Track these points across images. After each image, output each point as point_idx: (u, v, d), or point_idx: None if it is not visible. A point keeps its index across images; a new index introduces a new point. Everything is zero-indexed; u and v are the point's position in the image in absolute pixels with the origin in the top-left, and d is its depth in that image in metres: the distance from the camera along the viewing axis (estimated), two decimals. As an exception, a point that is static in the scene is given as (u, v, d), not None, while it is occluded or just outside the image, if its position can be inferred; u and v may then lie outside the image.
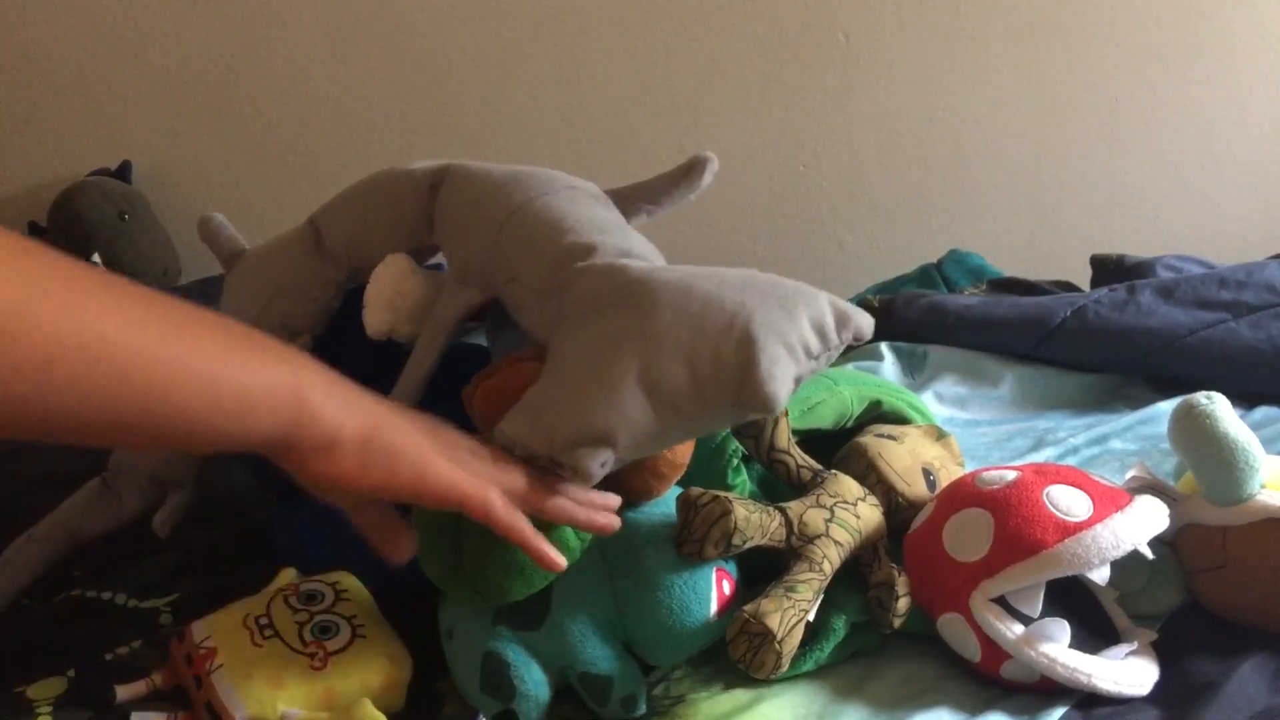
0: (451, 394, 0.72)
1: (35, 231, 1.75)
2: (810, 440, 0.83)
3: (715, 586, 0.70)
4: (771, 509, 0.71)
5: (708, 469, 0.77)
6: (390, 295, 0.77)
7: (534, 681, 0.67)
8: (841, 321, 0.63)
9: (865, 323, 0.64)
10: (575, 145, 1.82)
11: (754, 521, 0.69)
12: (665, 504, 0.73)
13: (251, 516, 0.93)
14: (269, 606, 0.70)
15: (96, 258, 1.65)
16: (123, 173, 1.78)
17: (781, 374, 0.59)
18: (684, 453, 0.70)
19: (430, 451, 0.57)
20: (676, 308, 0.61)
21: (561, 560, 0.61)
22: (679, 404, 0.60)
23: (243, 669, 0.65)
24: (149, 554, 0.87)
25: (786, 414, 0.76)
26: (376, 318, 0.77)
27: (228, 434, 0.51)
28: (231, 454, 0.69)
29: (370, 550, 0.72)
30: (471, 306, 0.76)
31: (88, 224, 1.66)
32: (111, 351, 0.46)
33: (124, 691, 0.67)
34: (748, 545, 0.69)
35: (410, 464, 0.56)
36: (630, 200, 0.83)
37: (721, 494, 0.68)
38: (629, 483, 0.69)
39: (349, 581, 0.74)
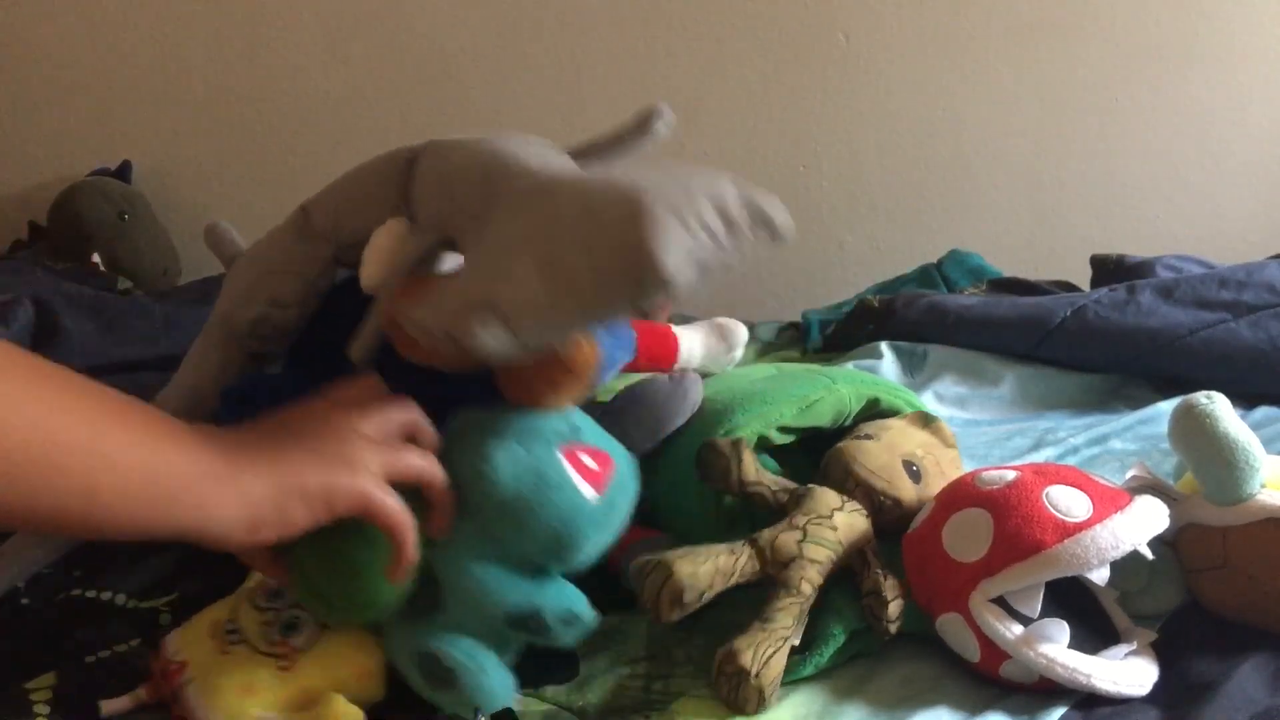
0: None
1: (35, 231, 1.75)
2: (811, 439, 0.83)
3: (569, 467, 0.66)
4: (737, 546, 0.71)
5: (698, 498, 0.79)
6: (386, 254, 0.80)
7: (467, 653, 0.65)
8: (748, 204, 0.61)
9: (779, 215, 0.63)
10: (575, 145, 1.82)
11: (704, 574, 0.67)
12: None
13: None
14: (237, 610, 0.68)
15: (96, 258, 1.65)
16: (123, 173, 1.78)
17: (675, 246, 0.57)
18: (583, 365, 0.68)
19: (331, 473, 0.59)
20: (575, 190, 0.63)
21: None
22: (573, 278, 0.59)
23: (211, 680, 0.64)
24: (149, 554, 0.87)
25: (749, 448, 0.76)
26: (369, 272, 0.79)
27: (155, 528, 0.55)
28: None
29: None
30: (425, 248, 0.77)
31: (88, 224, 1.67)
32: (50, 447, 0.50)
33: (110, 705, 0.66)
34: (709, 596, 0.68)
35: (322, 495, 0.59)
36: (583, 155, 0.86)
37: (666, 556, 0.67)
38: (521, 389, 0.68)
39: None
